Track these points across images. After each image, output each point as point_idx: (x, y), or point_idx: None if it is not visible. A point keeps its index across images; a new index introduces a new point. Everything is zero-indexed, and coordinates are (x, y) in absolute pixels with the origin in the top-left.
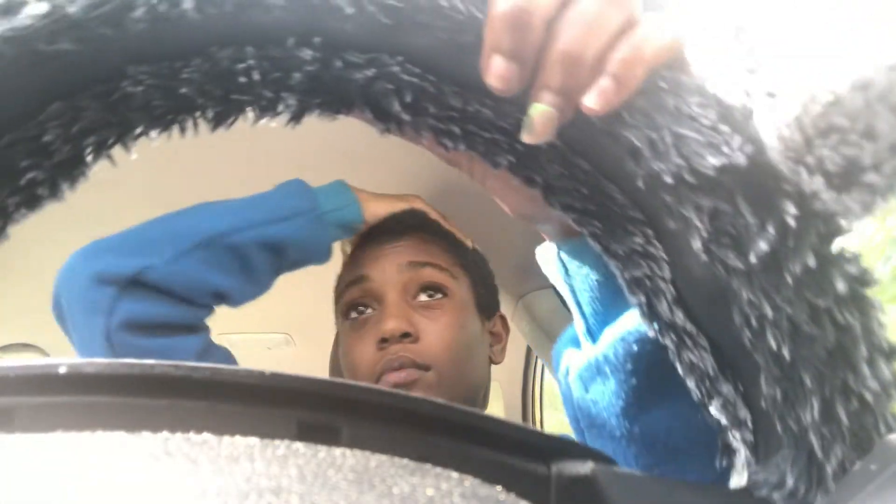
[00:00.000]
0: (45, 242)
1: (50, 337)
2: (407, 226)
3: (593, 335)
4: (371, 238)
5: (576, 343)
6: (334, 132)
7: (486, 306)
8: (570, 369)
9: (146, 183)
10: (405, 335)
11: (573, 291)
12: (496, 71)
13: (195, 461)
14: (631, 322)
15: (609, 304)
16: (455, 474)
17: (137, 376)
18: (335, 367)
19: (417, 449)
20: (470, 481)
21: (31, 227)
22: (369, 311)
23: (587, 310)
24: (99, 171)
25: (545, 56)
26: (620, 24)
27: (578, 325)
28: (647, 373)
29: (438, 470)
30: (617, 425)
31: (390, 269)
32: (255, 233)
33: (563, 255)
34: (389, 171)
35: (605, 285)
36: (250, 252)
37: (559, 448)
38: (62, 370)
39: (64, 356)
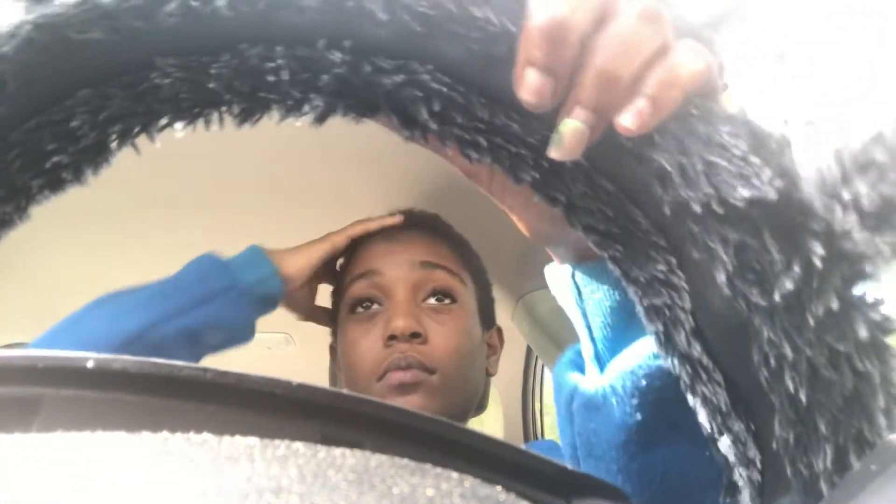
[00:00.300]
0: (44, 242)
1: None
2: (418, 222)
3: (601, 361)
4: (381, 231)
5: (577, 367)
6: (335, 132)
7: (486, 316)
8: (575, 396)
9: (144, 184)
10: (414, 335)
11: (584, 315)
12: (530, 84)
13: (195, 461)
14: (642, 354)
15: (621, 331)
16: (455, 474)
17: (164, 377)
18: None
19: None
20: (470, 481)
21: (31, 228)
22: (376, 306)
23: (598, 335)
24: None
25: (581, 72)
26: (658, 47)
27: (587, 350)
28: (653, 409)
29: (438, 470)
30: (615, 458)
31: (401, 266)
32: (172, 325)
33: (578, 278)
34: (389, 171)
35: (619, 311)
36: (170, 346)
37: (580, 484)
38: (90, 364)
39: None
